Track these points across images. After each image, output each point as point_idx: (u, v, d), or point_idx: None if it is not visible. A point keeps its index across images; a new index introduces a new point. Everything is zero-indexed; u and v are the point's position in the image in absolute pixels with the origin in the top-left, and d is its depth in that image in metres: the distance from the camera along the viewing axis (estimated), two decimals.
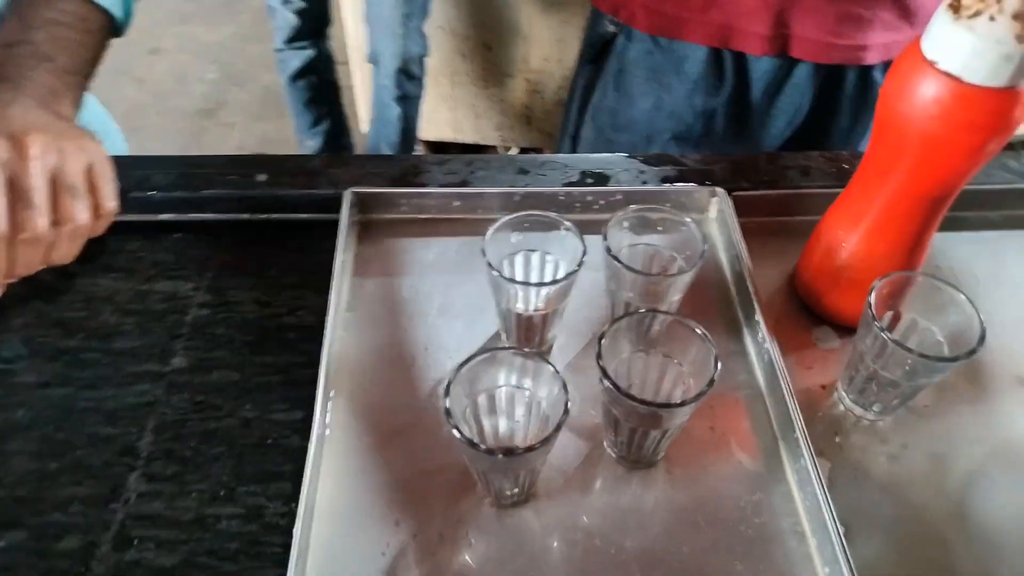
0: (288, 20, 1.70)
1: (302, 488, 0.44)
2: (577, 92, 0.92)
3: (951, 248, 0.63)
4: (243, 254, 0.61)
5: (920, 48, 0.44)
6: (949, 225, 0.62)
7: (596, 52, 0.87)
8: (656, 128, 0.85)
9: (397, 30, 1.61)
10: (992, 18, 0.41)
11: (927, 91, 0.44)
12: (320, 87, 1.85)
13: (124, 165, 0.61)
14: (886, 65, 0.79)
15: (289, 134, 2.30)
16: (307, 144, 1.91)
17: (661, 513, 0.47)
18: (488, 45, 1.87)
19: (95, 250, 0.59)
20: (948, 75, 0.43)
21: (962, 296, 0.47)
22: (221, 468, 0.48)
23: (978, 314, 0.46)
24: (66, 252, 0.56)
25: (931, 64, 0.44)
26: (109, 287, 0.58)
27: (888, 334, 0.45)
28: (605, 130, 0.89)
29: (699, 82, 0.80)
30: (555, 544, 0.46)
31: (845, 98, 0.81)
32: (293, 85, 1.82)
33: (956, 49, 0.42)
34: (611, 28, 0.83)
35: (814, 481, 0.46)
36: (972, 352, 0.45)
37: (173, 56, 2.55)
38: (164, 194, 0.61)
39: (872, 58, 0.77)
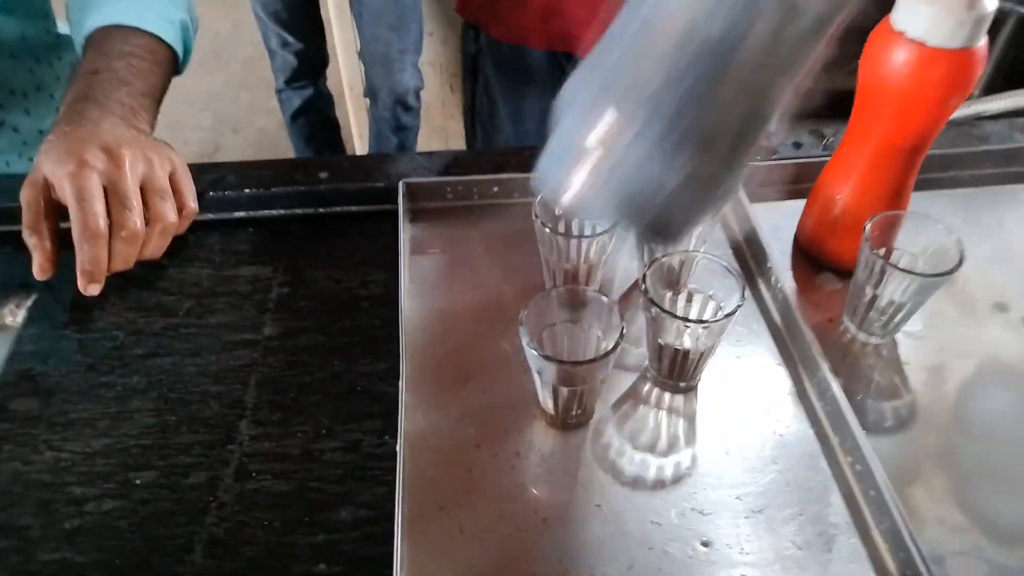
0: (288, 62, 1.79)
1: (399, 421, 0.52)
2: (467, 101, 1.09)
3: (928, 205, 0.71)
4: (312, 242, 0.68)
5: (889, 22, 0.54)
6: (926, 185, 0.71)
7: (470, 68, 1.03)
8: (522, 128, 1.00)
9: (394, 66, 1.71)
10: None
11: (899, 57, 0.53)
12: (319, 123, 1.94)
13: (200, 171, 0.69)
14: None
15: None
16: None
17: (702, 428, 0.55)
18: None
19: (180, 246, 0.66)
20: (914, 41, 0.52)
21: (940, 226, 0.56)
22: (320, 412, 0.55)
23: (958, 238, 0.55)
24: (156, 248, 0.64)
25: (900, 34, 0.53)
26: (197, 275, 0.65)
27: (882, 258, 0.54)
28: (488, 131, 1.05)
29: (545, 86, 0.95)
30: (611, 457, 0.53)
31: None
32: (294, 124, 1.91)
33: (920, 19, 0.52)
34: (472, 45, 0.98)
35: (833, 387, 0.54)
36: (955, 268, 0.53)
37: (167, 106, 2.63)
38: (237, 193, 0.69)
39: None
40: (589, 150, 0.35)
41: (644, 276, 0.53)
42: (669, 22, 0.33)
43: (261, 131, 2.54)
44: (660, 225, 0.36)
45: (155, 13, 0.76)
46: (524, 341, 0.49)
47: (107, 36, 0.72)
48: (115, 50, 0.71)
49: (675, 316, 0.50)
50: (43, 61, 0.87)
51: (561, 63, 0.92)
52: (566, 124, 0.36)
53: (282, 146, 2.47)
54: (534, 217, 0.57)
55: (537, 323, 0.52)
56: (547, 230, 0.56)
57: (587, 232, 0.60)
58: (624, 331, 0.49)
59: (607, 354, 0.48)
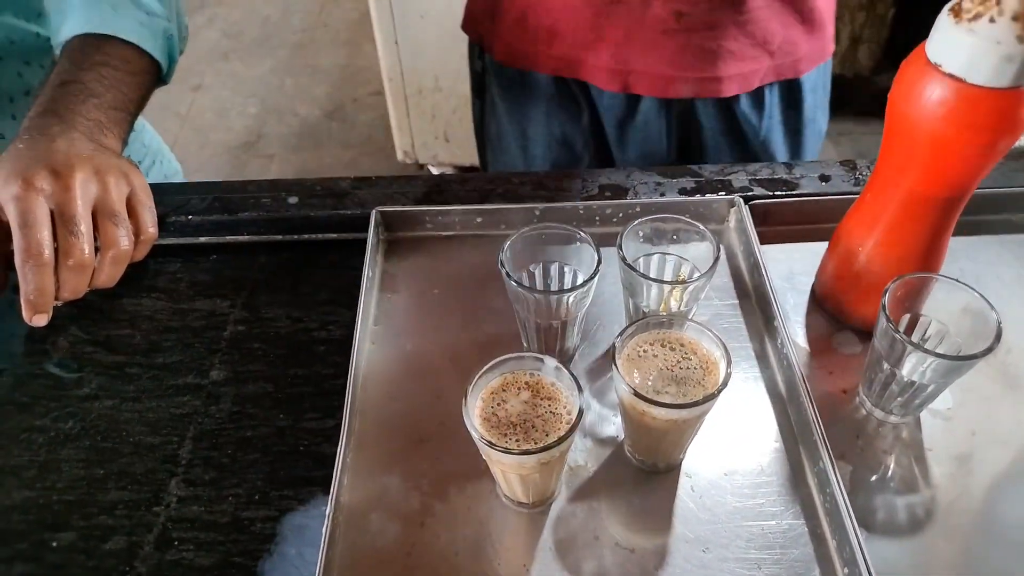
0: None
1: (331, 491, 0.46)
2: (475, 119, 0.97)
3: (975, 251, 0.62)
4: (276, 273, 0.63)
5: (924, 52, 0.45)
6: (973, 228, 0.62)
7: (476, 86, 0.91)
8: (529, 154, 0.88)
9: None
10: (992, 20, 0.42)
11: (932, 94, 0.45)
12: None
13: (163, 192, 0.65)
14: (751, 96, 0.78)
15: (325, 163, 2.37)
16: None
17: (681, 516, 0.48)
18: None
19: (138, 273, 0.62)
20: (952, 77, 0.44)
21: (979, 295, 0.47)
22: (256, 473, 0.50)
23: (995, 312, 0.46)
24: (109, 276, 0.60)
25: (935, 67, 0.44)
26: (151, 307, 0.61)
27: (901, 334, 0.46)
28: (496, 152, 0.93)
29: (552, 110, 0.82)
30: (571, 548, 0.47)
31: (708, 132, 0.80)
32: None
33: (959, 51, 0.43)
34: (478, 62, 0.87)
35: (833, 483, 0.46)
36: (988, 350, 0.45)
37: (214, 92, 2.65)
38: (201, 218, 0.65)
39: (729, 90, 0.75)
40: None
41: (613, 346, 0.46)
42: None
43: (304, 120, 2.52)
44: None
45: (134, 21, 0.72)
46: (466, 419, 0.43)
47: (81, 45, 0.68)
48: (87, 60, 0.67)
49: (646, 400, 0.43)
50: (33, 64, 0.84)
51: (571, 89, 0.81)
52: None
53: (323, 136, 2.46)
54: (500, 267, 0.51)
55: (496, 397, 0.46)
56: (514, 284, 0.50)
57: (559, 287, 0.53)
58: (582, 414, 0.43)
59: (555, 444, 0.42)
